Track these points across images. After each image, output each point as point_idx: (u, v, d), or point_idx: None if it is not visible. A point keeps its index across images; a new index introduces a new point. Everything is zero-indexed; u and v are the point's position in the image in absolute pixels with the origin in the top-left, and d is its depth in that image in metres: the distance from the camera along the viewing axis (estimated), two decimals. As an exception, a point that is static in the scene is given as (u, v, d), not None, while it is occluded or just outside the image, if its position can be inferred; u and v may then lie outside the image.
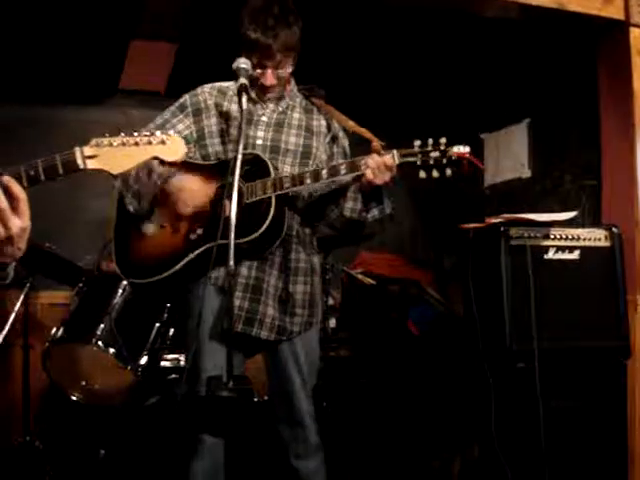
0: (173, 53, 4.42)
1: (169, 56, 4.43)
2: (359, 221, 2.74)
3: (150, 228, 2.67)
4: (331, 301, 4.16)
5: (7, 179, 1.65)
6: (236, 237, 2.28)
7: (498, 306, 3.20)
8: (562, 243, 3.32)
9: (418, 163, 2.53)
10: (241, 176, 2.54)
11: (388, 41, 4.62)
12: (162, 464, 3.37)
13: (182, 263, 2.59)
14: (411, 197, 5.24)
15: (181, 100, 2.83)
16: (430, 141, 2.53)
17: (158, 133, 1.78)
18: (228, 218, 2.25)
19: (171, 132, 2.50)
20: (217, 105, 2.79)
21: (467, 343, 3.48)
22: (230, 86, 2.82)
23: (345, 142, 2.92)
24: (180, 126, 2.74)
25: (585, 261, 3.35)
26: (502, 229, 3.24)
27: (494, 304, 3.23)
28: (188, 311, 2.70)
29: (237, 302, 2.60)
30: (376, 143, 2.55)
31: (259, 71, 2.64)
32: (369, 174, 2.50)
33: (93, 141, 1.72)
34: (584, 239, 3.36)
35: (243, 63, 2.54)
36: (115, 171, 1.73)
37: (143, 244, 2.68)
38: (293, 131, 2.79)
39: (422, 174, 2.55)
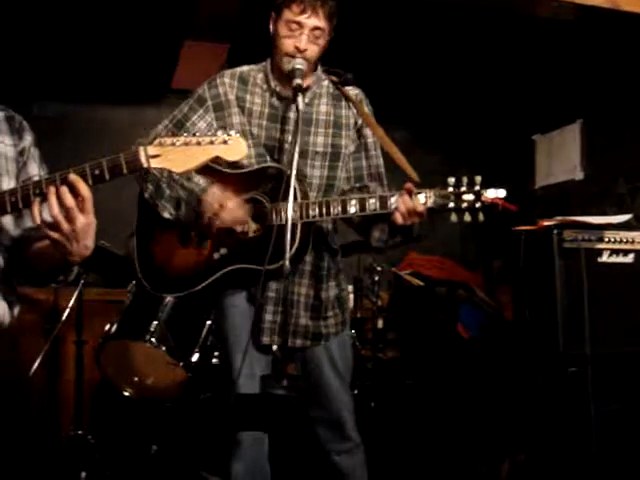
0: (225, 53, 4.45)
1: (221, 56, 4.46)
2: (382, 249, 2.67)
3: (192, 240, 2.58)
4: (379, 302, 4.16)
5: (74, 177, 1.68)
6: (259, 263, 2.25)
7: (551, 309, 3.16)
8: (616, 246, 3.28)
9: (451, 206, 2.40)
10: (264, 193, 2.49)
11: (442, 41, 4.60)
12: (212, 460, 3.40)
13: (202, 285, 2.52)
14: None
15: (199, 92, 2.64)
16: (465, 180, 2.39)
17: (220, 133, 1.77)
18: (258, 239, 2.18)
19: (193, 130, 2.47)
20: (238, 99, 2.61)
21: (517, 346, 3.45)
22: (252, 72, 2.66)
23: (371, 137, 2.74)
24: (201, 123, 2.59)
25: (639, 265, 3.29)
26: (555, 231, 3.20)
27: (546, 307, 3.19)
28: (223, 319, 2.65)
29: (269, 317, 2.55)
30: (409, 184, 2.38)
31: (293, 30, 2.46)
32: (398, 218, 2.38)
33: (156, 140, 1.72)
34: (639, 242, 3.31)
35: (299, 64, 2.45)
36: (178, 170, 1.74)
37: (166, 254, 2.60)
38: (321, 129, 2.63)
39: (453, 217, 2.43)
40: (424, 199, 2.39)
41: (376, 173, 2.74)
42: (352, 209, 2.42)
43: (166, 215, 2.50)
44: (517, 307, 3.41)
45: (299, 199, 2.43)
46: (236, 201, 2.43)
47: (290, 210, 2.19)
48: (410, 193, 2.36)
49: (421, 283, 4.36)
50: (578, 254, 3.19)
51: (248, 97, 2.62)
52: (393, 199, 2.39)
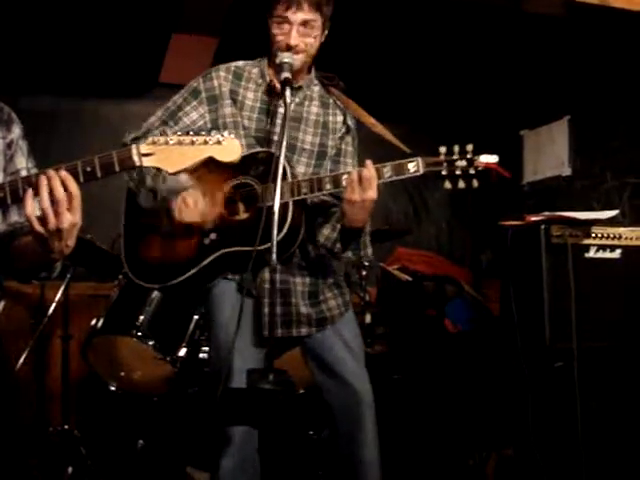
0: (214, 47, 4.44)
1: (209, 50, 4.44)
2: (331, 250, 2.64)
3: (164, 227, 2.55)
4: (367, 297, 4.16)
5: (64, 175, 1.67)
6: (250, 245, 2.23)
7: (538, 304, 3.17)
8: (603, 242, 3.28)
9: (444, 173, 2.44)
10: (255, 176, 2.50)
11: (426, 35, 4.60)
12: (199, 455, 3.40)
13: (194, 270, 2.50)
14: (447, 193, 5.22)
15: (194, 84, 2.66)
16: (456, 148, 2.44)
17: (214, 133, 1.77)
18: (249, 221, 2.15)
19: (186, 120, 2.55)
20: (232, 92, 2.63)
21: (504, 341, 3.45)
22: (246, 67, 2.69)
23: (355, 142, 2.80)
24: (194, 114, 2.60)
25: (626, 260, 3.30)
26: (543, 227, 3.20)
27: (533, 302, 3.20)
28: (213, 311, 2.62)
29: (267, 309, 2.52)
30: (368, 161, 2.41)
31: (282, 27, 2.48)
32: (348, 192, 2.38)
33: (149, 139, 1.72)
34: (625, 238, 3.32)
35: (287, 57, 2.45)
36: (171, 169, 1.74)
37: (154, 244, 2.58)
38: (310, 129, 2.68)
39: (447, 185, 2.47)
40: (414, 167, 2.42)
41: None
42: (344, 183, 2.42)
43: (142, 203, 2.50)
44: (504, 301, 3.42)
45: (289, 179, 2.44)
46: (194, 197, 2.42)
47: (278, 191, 2.18)
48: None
49: (409, 278, 4.36)
50: (565, 249, 3.19)
51: (241, 91, 2.64)
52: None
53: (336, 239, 2.60)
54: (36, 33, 4.31)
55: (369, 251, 2.72)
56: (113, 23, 4.32)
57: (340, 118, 2.75)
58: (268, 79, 2.65)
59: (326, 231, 2.63)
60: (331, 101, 2.75)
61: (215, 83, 2.63)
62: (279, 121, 2.60)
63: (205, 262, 2.50)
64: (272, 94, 2.64)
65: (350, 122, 2.76)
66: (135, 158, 1.71)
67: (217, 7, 4.14)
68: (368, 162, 2.42)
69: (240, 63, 2.70)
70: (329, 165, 2.73)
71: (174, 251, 2.55)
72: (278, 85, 2.58)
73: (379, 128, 2.68)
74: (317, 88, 2.74)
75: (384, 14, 4.29)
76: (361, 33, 4.43)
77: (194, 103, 2.61)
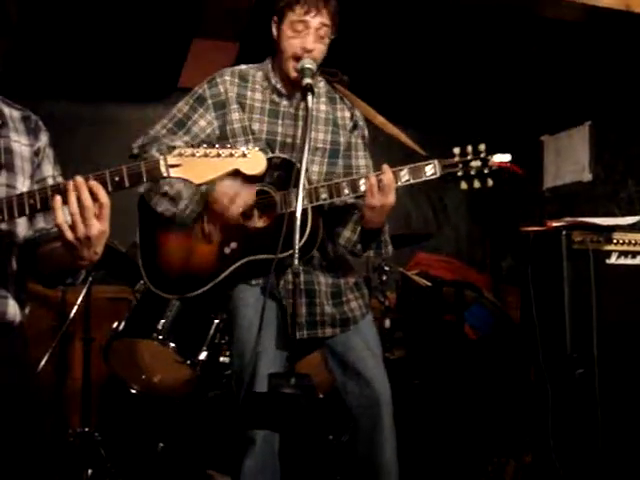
0: (234, 53, 4.45)
1: (229, 55, 4.46)
2: (352, 252, 2.68)
3: (182, 236, 2.56)
4: (386, 302, 4.16)
5: (94, 184, 1.70)
6: (272, 252, 2.24)
7: (558, 311, 3.16)
8: (625, 248, 3.27)
9: (459, 174, 2.46)
10: (271, 183, 2.50)
11: (447, 40, 4.60)
12: (219, 459, 3.40)
13: (215, 281, 2.51)
14: (467, 198, 5.22)
15: (199, 91, 2.62)
16: (469, 148, 2.46)
17: (239, 146, 1.80)
18: (269, 228, 2.16)
19: (195, 129, 2.54)
20: (239, 96, 2.60)
21: (524, 348, 3.44)
22: (250, 71, 2.67)
23: (365, 132, 2.80)
24: (202, 122, 2.57)
25: (648, 267, 3.29)
26: (564, 233, 3.19)
27: (554, 309, 3.19)
28: (236, 314, 2.62)
29: (292, 311, 2.53)
30: (385, 165, 2.43)
31: (298, 30, 2.48)
32: (368, 198, 2.41)
33: (176, 150, 1.74)
34: (647, 244, 3.31)
35: (308, 63, 2.46)
36: (197, 181, 1.76)
37: (172, 254, 2.58)
38: (321, 126, 2.67)
39: (463, 185, 2.48)
40: (432, 170, 2.45)
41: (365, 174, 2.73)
42: (362, 187, 2.44)
43: (160, 209, 2.45)
44: (524, 308, 3.40)
45: (306, 184, 2.44)
46: (245, 194, 2.40)
47: (301, 196, 2.17)
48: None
49: (428, 283, 4.35)
50: (587, 255, 3.18)
51: (249, 94, 2.63)
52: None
53: (356, 241, 2.63)
54: (57, 38, 4.35)
55: (390, 249, 2.72)
56: (133, 28, 4.36)
57: (347, 114, 2.74)
58: (273, 82, 2.64)
59: (347, 233, 2.65)
60: (337, 97, 2.75)
61: (221, 89, 2.60)
62: (290, 122, 2.61)
63: (227, 272, 2.51)
64: (280, 95, 2.64)
65: (358, 115, 2.76)
66: (163, 169, 1.74)
67: (237, 12, 4.15)
68: (386, 167, 2.43)
69: (243, 67, 2.69)
70: (341, 161, 2.73)
71: (194, 261, 2.55)
72: (284, 89, 2.62)
73: (389, 127, 2.67)
74: (322, 84, 2.73)
75: (403, 17, 4.30)
76: (381, 36, 4.44)
77: (201, 110, 2.58)
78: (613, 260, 3.25)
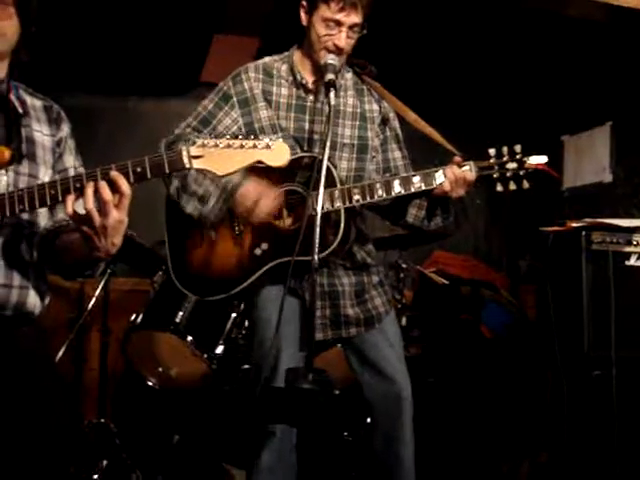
0: (255, 48, 4.45)
1: (251, 50, 4.46)
2: (420, 228, 2.67)
3: (212, 236, 2.53)
4: (403, 299, 4.15)
5: (115, 174, 1.69)
6: (304, 254, 2.18)
7: (577, 312, 3.15)
8: (644, 250, 3.25)
9: (495, 176, 2.46)
10: (302, 183, 2.47)
11: (468, 40, 4.58)
12: (234, 452, 3.41)
13: (247, 283, 2.49)
14: (486, 197, 5.19)
15: (224, 88, 2.58)
16: (505, 150, 2.45)
17: (262, 137, 1.78)
18: (297, 232, 2.15)
19: (219, 128, 2.51)
20: (264, 92, 2.56)
21: (541, 347, 3.43)
22: (275, 64, 2.63)
23: (396, 124, 2.75)
24: (227, 120, 2.54)
25: (668, 269, 3.27)
26: (584, 233, 3.18)
27: (572, 309, 3.18)
28: (258, 308, 2.60)
29: (317, 312, 2.50)
30: (458, 157, 2.47)
31: (331, 28, 2.45)
32: (446, 186, 2.43)
33: (199, 141, 1.73)
34: (667, 246, 3.28)
35: (331, 59, 2.44)
36: (220, 172, 1.74)
37: (202, 255, 2.55)
38: (348, 122, 2.63)
39: (499, 187, 2.48)
40: (470, 170, 2.46)
41: (402, 165, 2.74)
42: (396, 189, 2.45)
43: (189, 209, 2.42)
44: (542, 307, 3.39)
45: (338, 184, 2.44)
46: (270, 196, 2.39)
47: (321, 196, 2.14)
48: (458, 164, 2.44)
49: (445, 282, 4.34)
50: (606, 256, 3.17)
51: (274, 89, 2.60)
52: (438, 174, 2.45)
53: (423, 216, 2.63)
54: (80, 32, 4.36)
55: (451, 218, 2.70)
56: (156, 23, 4.37)
57: (375, 106, 2.70)
58: (299, 77, 2.61)
59: (413, 210, 2.64)
60: (365, 88, 2.71)
61: (246, 86, 2.56)
62: (317, 118, 2.57)
63: (258, 273, 2.48)
64: (306, 90, 2.61)
65: (386, 107, 2.72)
66: (185, 160, 1.72)
67: (258, 8, 4.15)
68: (468, 163, 2.46)
69: (267, 59, 2.65)
70: (379, 156, 2.71)
71: (224, 262, 2.53)
72: (311, 84, 2.59)
73: (422, 125, 2.65)
74: (349, 75, 2.70)
75: (429, 17, 4.29)
76: (405, 34, 4.43)
77: (226, 108, 2.55)
78: (632, 262, 3.24)
